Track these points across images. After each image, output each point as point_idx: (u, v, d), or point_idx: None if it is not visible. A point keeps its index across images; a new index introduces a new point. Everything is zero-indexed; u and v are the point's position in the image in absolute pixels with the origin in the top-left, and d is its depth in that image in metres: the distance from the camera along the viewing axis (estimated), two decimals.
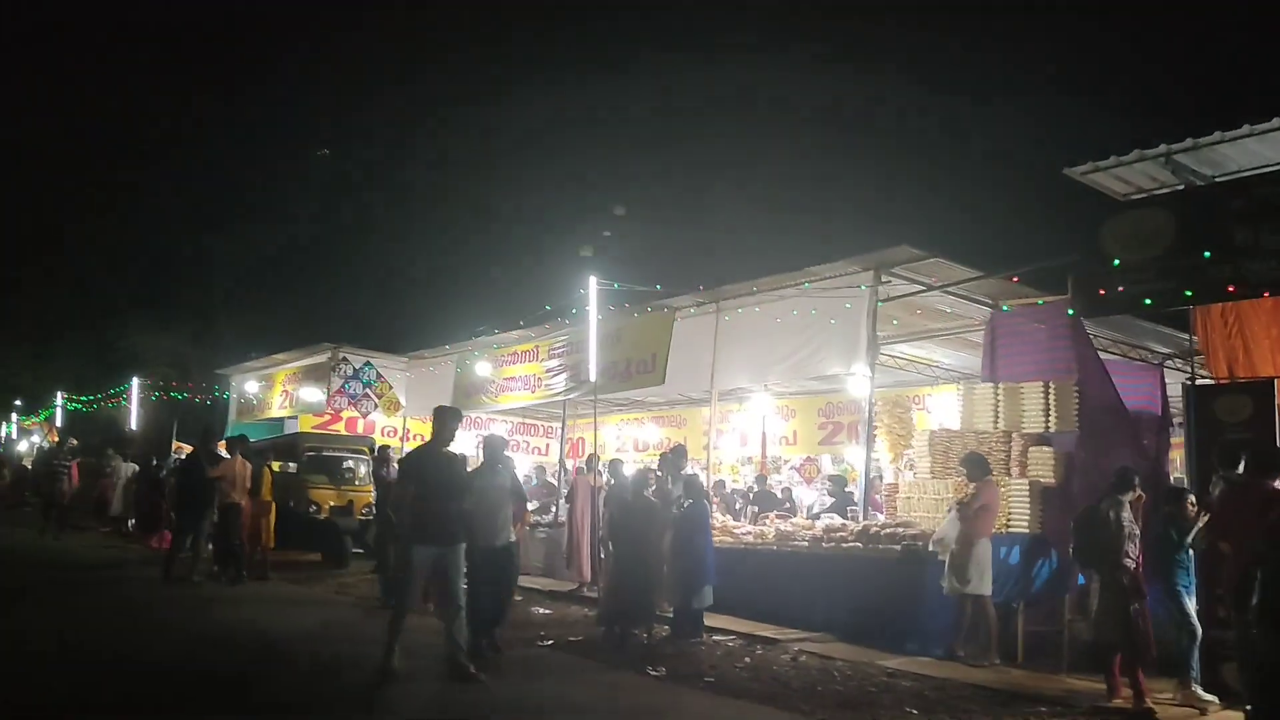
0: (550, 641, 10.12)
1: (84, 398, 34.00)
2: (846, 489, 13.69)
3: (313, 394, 21.89)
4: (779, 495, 16.66)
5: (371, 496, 16.60)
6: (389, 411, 21.04)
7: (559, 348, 17.17)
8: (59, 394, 37.59)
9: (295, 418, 22.59)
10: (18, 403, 52.00)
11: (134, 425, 26.80)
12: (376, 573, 14.48)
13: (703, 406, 18.71)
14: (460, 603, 7.86)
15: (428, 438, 8.62)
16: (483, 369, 18.13)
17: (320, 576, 15.35)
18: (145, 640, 9.51)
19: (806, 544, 11.20)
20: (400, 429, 21.58)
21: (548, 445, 24.47)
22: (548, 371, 17.32)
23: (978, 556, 9.11)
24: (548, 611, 12.26)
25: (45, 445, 42.42)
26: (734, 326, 13.34)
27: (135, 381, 27.55)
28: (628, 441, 22.20)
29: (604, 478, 13.92)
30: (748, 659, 9.46)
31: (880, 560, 10.20)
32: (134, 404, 27.17)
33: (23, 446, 47.87)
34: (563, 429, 18.69)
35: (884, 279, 11.51)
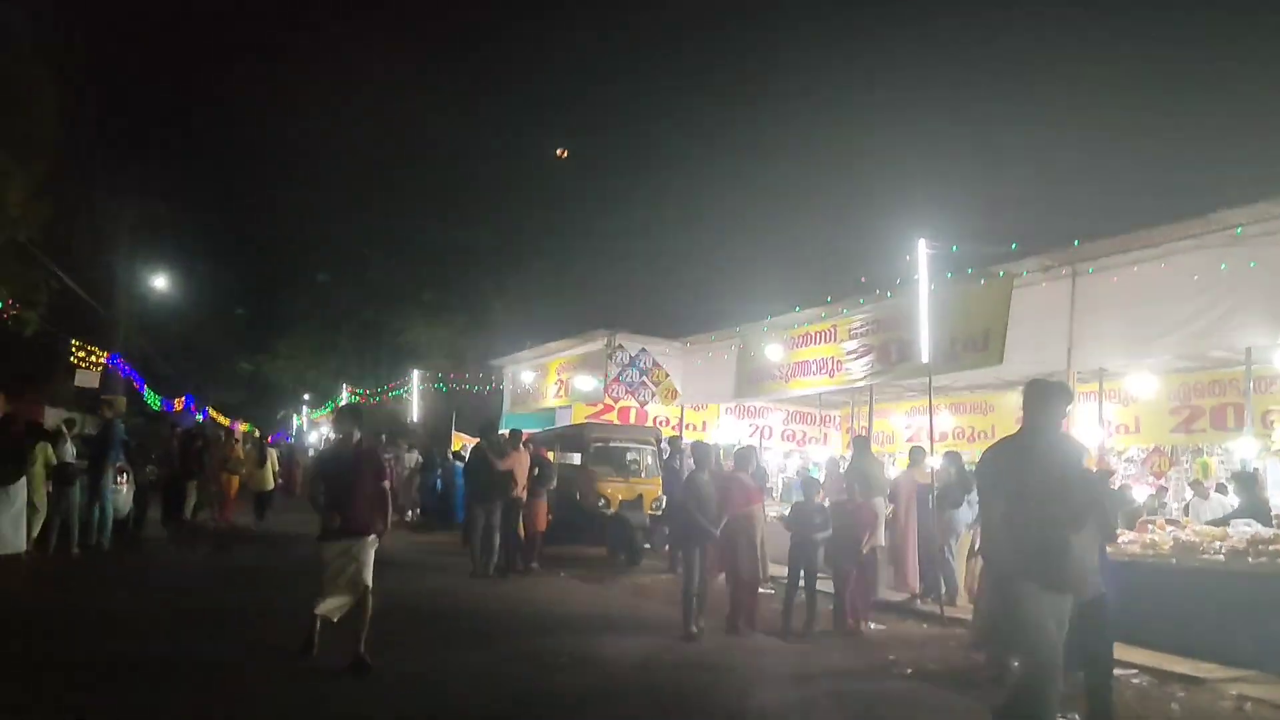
0: (909, 670, 8.51)
1: (366, 390, 35.63)
2: (1257, 490, 11.11)
3: (587, 382, 21.26)
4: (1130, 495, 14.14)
5: (659, 490, 15.71)
6: (666, 400, 20.02)
7: (859, 327, 15.43)
8: (344, 387, 39.79)
9: (569, 407, 22.08)
10: (306, 396, 56.09)
11: (415, 417, 27.42)
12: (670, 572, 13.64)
13: (1008, 391, 16.46)
14: None
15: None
16: (773, 352, 16.68)
17: (610, 574, 14.43)
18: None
19: (1223, 558, 8.93)
20: (676, 418, 20.48)
21: (825, 435, 22.78)
22: (848, 354, 15.63)
23: None
24: (880, 627, 10.61)
25: (333, 436, 45.35)
26: (1096, 292, 11.12)
27: (415, 373, 28.22)
28: (919, 431, 20.12)
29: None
30: (1174, 704, 7.47)
31: None
32: (415, 395, 27.82)
33: (312, 438, 51.47)
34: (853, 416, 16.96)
35: None
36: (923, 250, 12.03)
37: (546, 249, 28.45)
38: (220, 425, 38.47)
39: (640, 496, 15.57)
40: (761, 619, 9.61)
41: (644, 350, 19.82)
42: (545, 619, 10.45)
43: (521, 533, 13.99)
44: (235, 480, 19.38)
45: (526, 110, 31.50)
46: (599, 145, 28.25)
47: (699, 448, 9.71)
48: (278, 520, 20.22)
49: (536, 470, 14.75)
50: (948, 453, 12.86)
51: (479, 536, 13.50)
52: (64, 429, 14.30)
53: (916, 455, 13.16)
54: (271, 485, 21.09)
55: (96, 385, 26.34)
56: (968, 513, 11.30)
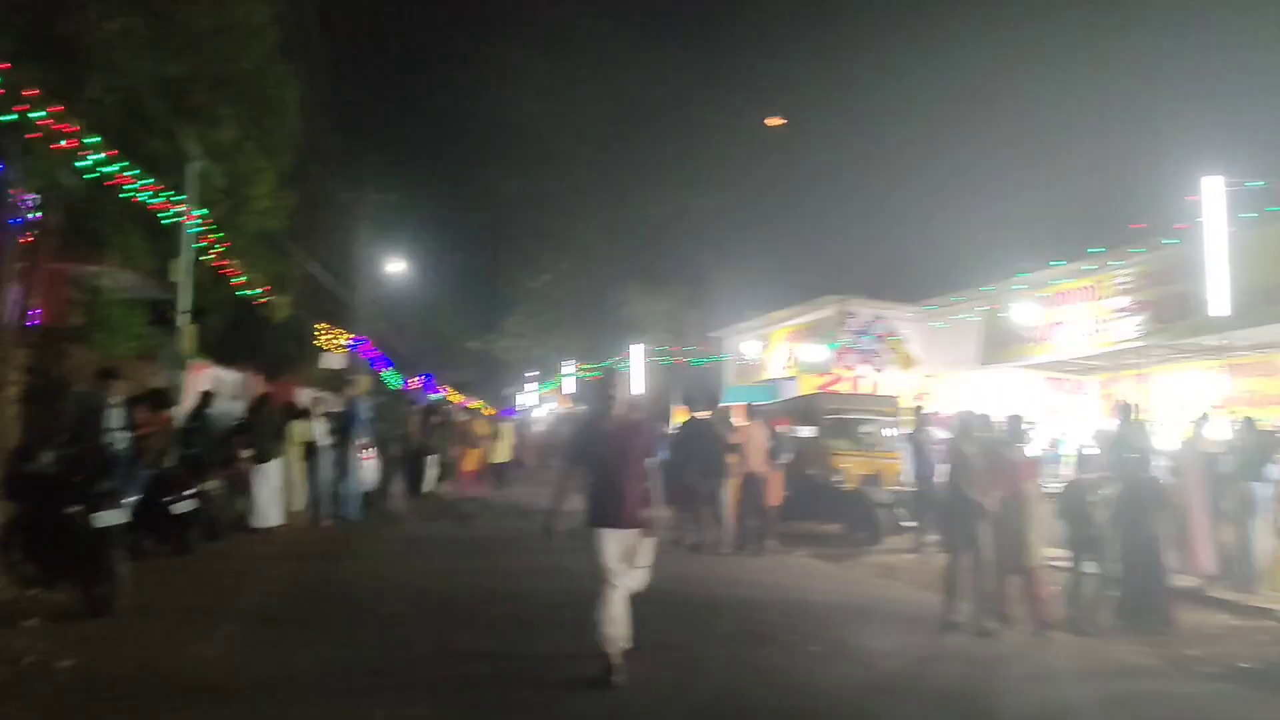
0: (1215, 669, 7.32)
1: (590, 366, 36.08)
2: None
3: (815, 352, 20.41)
4: None
5: (901, 465, 14.70)
6: (903, 367, 18.89)
7: (1127, 282, 13.84)
8: (568, 363, 40.52)
9: (795, 379, 21.27)
10: (531, 374, 57.82)
11: (638, 390, 27.31)
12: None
13: None
14: None
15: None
16: (1025, 313, 15.27)
17: (850, 553, 13.59)
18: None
19: None
20: (913, 388, 19.25)
21: (1079, 404, 20.83)
22: (1113, 312, 14.06)
23: None
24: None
25: (558, 412, 46.44)
26: None
27: (636, 347, 28.16)
28: (1197, 396, 17.97)
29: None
30: None
31: None
32: (637, 369, 27.76)
33: (538, 413, 53.03)
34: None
35: None
36: (1212, 188, 10.41)
37: (768, 215, 27.47)
38: (453, 402, 40.28)
39: (880, 471, 14.61)
40: (1039, 608, 8.55)
41: (877, 316, 18.80)
42: (789, 603, 9.80)
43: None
44: (476, 453, 19.90)
45: (741, 78, 30.43)
46: (818, 106, 26.85)
47: (965, 416, 8.71)
48: (512, 492, 20.76)
49: (771, 443, 14.17)
50: (1245, 418, 11.22)
51: (705, 512, 13.08)
52: (315, 407, 14.96)
53: (1201, 423, 11.59)
54: (507, 457, 21.78)
55: (342, 366, 27.89)
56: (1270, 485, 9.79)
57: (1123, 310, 13.76)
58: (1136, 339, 13.46)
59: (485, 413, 34.07)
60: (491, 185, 37.54)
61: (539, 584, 10.06)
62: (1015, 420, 8.89)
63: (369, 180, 30.25)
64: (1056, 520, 8.96)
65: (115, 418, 10.12)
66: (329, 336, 27.08)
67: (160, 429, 10.58)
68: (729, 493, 13.77)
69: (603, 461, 6.41)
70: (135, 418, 10.52)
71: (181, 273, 15.34)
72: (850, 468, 14.59)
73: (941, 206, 22.36)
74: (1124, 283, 13.82)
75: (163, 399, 10.88)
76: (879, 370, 18.74)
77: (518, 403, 62.05)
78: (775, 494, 14.00)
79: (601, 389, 6.96)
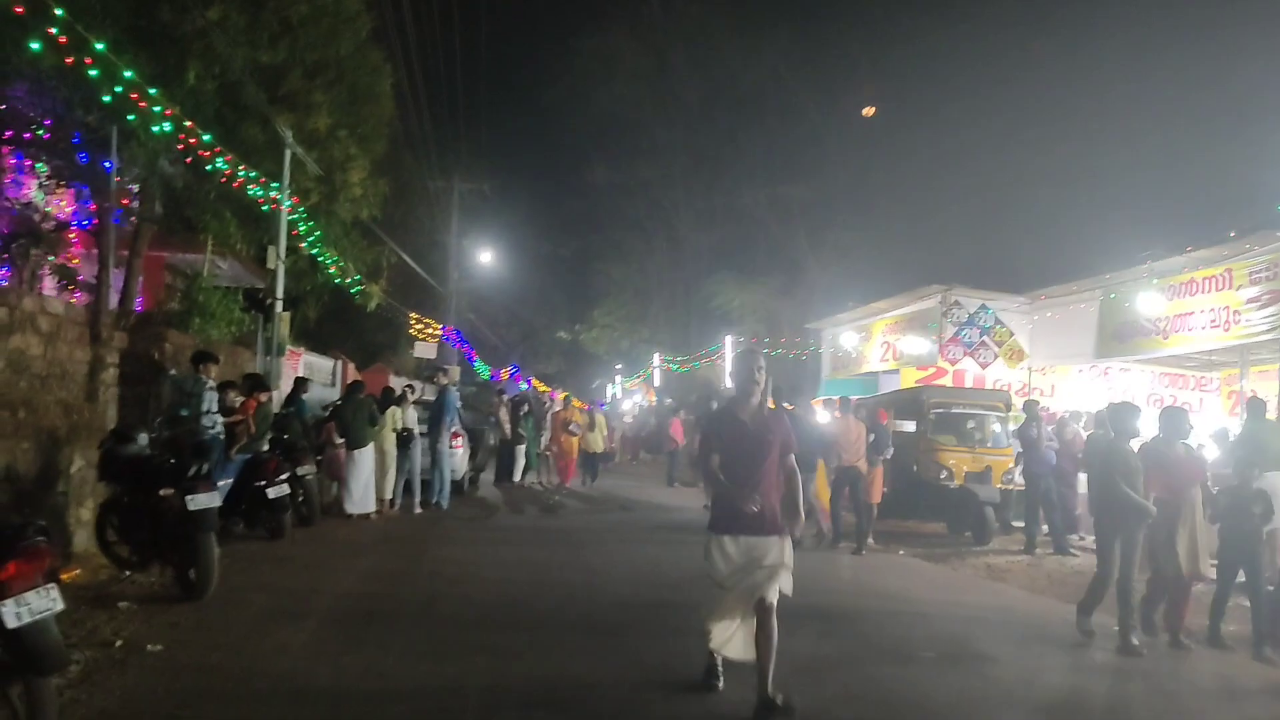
0: None
1: (677, 358, 35.69)
2: None
3: (917, 344, 19.63)
4: None
5: (1010, 461, 13.98)
6: (1011, 362, 18.02)
7: (1263, 270, 12.87)
8: (655, 355, 40.22)
9: (896, 372, 20.52)
10: (619, 366, 57.71)
11: (729, 383, 26.83)
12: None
13: None
14: None
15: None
16: (1148, 303, 14.35)
17: (955, 554, 12.94)
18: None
19: None
20: (1024, 382, 18.37)
21: (1201, 400, 19.65)
22: (1247, 303, 13.08)
23: None
24: None
25: (644, 404, 46.21)
26: None
27: (728, 339, 27.66)
28: None
29: None
30: None
31: None
32: (728, 361, 27.27)
33: (625, 406, 52.85)
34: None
35: None
36: None
37: (867, 203, 26.61)
38: (542, 392, 40.29)
39: (988, 468, 13.89)
40: (1182, 621, 7.84)
41: (984, 306, 17.95)
42: (897, 606, 9.24)
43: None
44: (575, 443, 19.77)
45: (839, 62, 29.44)
46: (922, 89, 25.88)
47: (1121, 410, 7.88)
48: (603, 484, 20.61)
49: (873, 437, 13.58)
50: None
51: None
52: (407, 395, 14.85)
53: None
54: (602, 447, 21.70)
55: (434, 356, 28.03)
56: None
57: (1256, 300, 12.79)
58: (1269, 331, 12.49)
59: (575, 404, 33.91)
60: (581, 174, 37.48)
61: (635, 577, 9.76)
62: (1176, 415, 8.12)
63: (459, 169, 30.35)
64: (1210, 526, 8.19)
65: (210, 402, 10.08)
66: (421, 326, 27.23)
67: (254, 414, 10.49)
68: (820, 488, 13.36)
69: (736, 456, 5.49)
70: (230, 402, 10.49)
71: (277, 259, 15.38)
72: (957, 464, 13.91)
73: (1053, 191, 21.28)
74: (1259, 271, 12.84)
75: (257, 384, 10.82)
76: (985, 364, 17.90)
77: (606, 395, 62.09)
78: (876, 490, 13.46)
79: (747, 366, 5.53)
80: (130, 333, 10.91)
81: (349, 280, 18.13)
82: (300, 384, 14.14)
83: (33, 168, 15.38)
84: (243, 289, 16.14)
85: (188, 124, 12.72)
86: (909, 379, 19.81)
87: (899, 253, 24.25)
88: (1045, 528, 13.34)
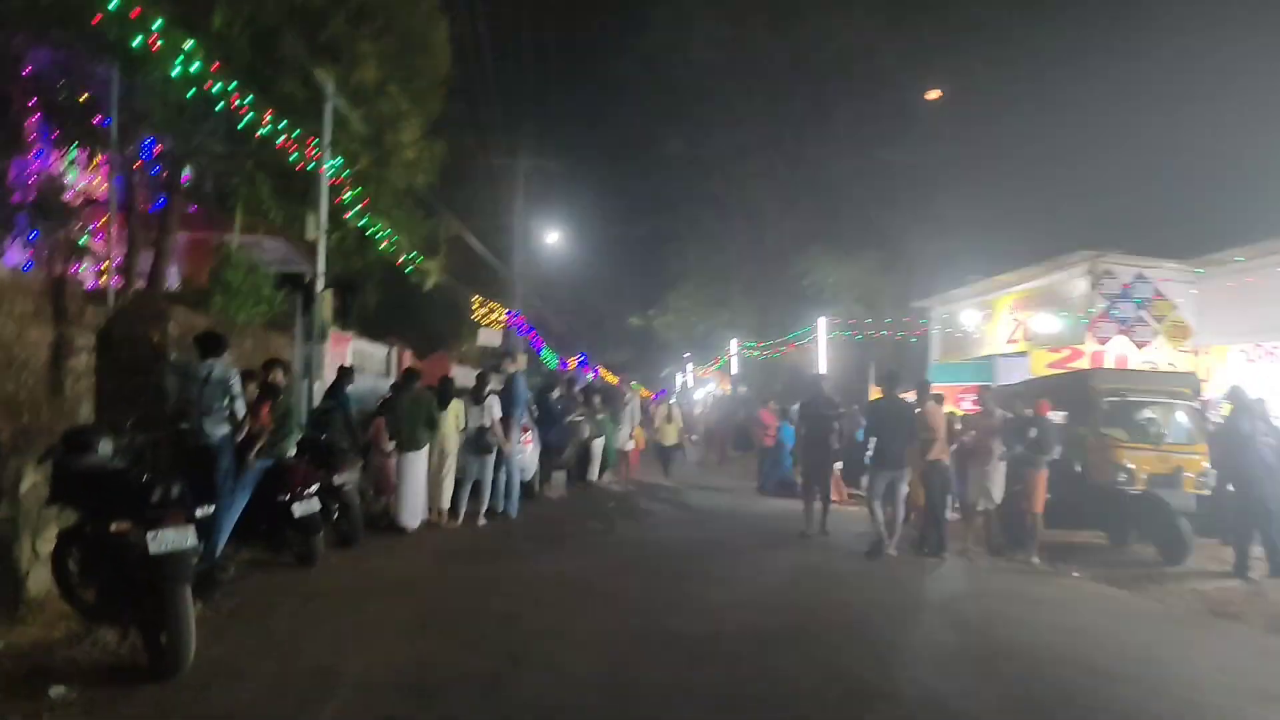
0: None
1: (753, 344, 33.15)
2: None
3: (1051, 321, 16.93)
4: None
5: (1203, 461, 11.28)
6: (1174, 340, 15.24)
7: None
8: (733, 341, 37.60)
9: (1023, 355, 17.78)
10: (687, 355, 55.14)
11: (823, 369, 24.18)
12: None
13: None
14: None
15: None
16: None
17: (1140, 576, 10.35)
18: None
19: None
20: (1170, 364, 15.50)
21: None
22: None
23: None
24: None
25: (719, 394, 43.67)
26: None
27: (821, 321, 25.01)
28: None
29: None
30: None
31: None
32: (821, 346, 24.66)
33: (698, 395, 50.35)
34: None
35: None
36: None
37: (977, 166, 23.53)
38: (611, 383, 38.03)
39: (1178, 469, 11.23)
40: None
41: (1141, 276, 15.21)
42: (1097, 652, 6.88)
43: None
44: (641, 436, 17.56)
45: (935, 17, 26.29)
46: (1047, 30, 22.53)
47: None
48: (683, 487, 18.20)
49: (1033, 432, 11.09)
50: None
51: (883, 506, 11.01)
52: (475, 387, 12.55)
53: None
54: (677, 440, 19.66)
55: (499, 343, 25.86)
56: None
57: None
58: None
59: (642, 394, 31.50)
60: (654, 151, 34.93)
61: (742, 619, 7.38)
62: None
63: (525, 146, 28.13)
64: None
65: (219, 394, 7.96)
66: (485, 311, 25.08)
67: (268, 409, 8.32)
68: (914, 485, 11.59)
69: None
70: (248, 396, 8.36)
71: (318, 229, 13.25)
72: (1138, 464, 11.26)
73: (1223, 141, 18.10)
74: None
75: (276, 383, 8.58)
76: (1142, 343, 15.16)
77: (675, 384, 59.80)
78: (1039, 497, 10.95)
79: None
80: (124, 311, 8.80)
81: (405, 257, 15.94)
82: (344, 374, 11.95)
83: (59, 139, 13.53)
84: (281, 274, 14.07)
85: (213, 67, 10.67)
86: (1040, 363, 17.09)
87: (1023, 218, 21.19)
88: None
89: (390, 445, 11.09)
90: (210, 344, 8.12)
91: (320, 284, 13.12)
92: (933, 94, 25.95)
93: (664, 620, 7.31)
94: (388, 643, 6.30)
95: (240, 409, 7.75)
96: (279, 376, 8.55)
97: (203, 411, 7.82)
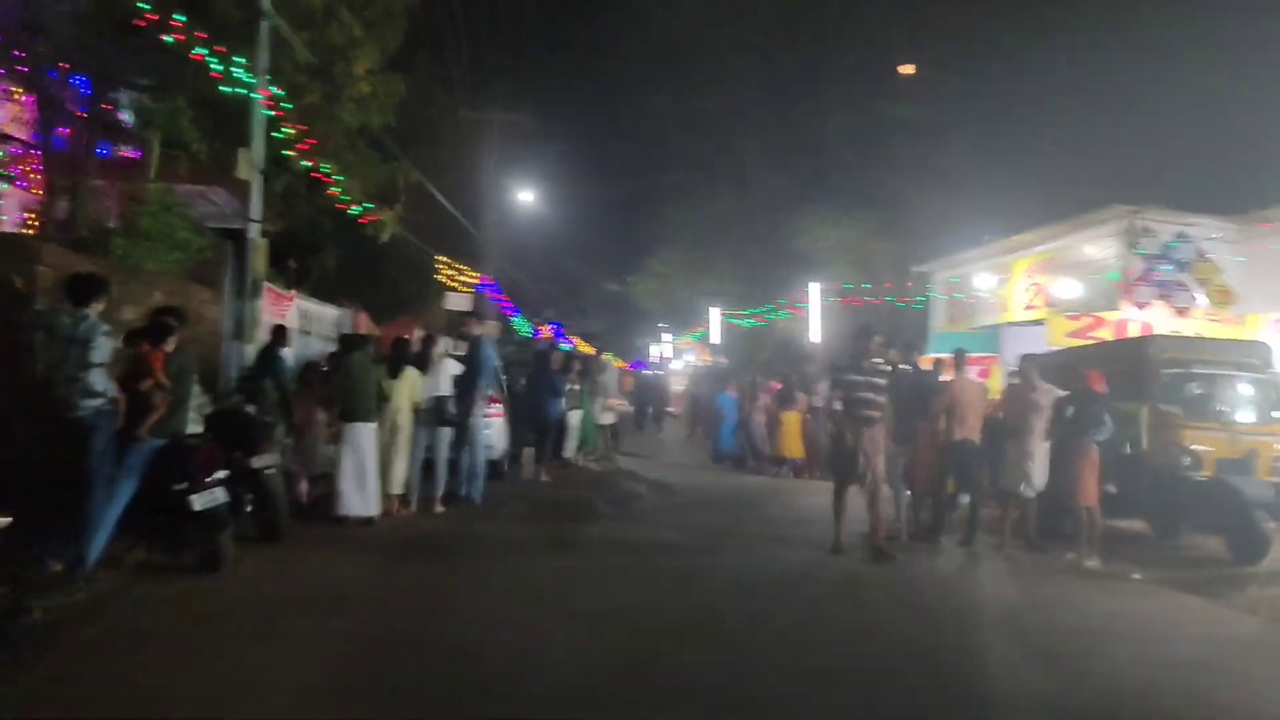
0: None
1: (730, 311, 31.45)
2: None
3: (1075, 286, 15.35)
4: None
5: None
6: (1219, 304, 13.70)
7: None
8: (714, 310, 35.77)
9: (1039, 324, 16.16)
10: (662, 325, 53.28)
11: (816, 339, 22.55)
12: None
13: None
14: None
15: None
16: None
17: (1219, 580, 8.80)
18: None
19: None
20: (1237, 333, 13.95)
21: None
22: None
23: None
24: None
25: (699, 366, 41.97)
26: None
27: (813, 287, 23.30)
28: None
29: None
30: None
31: None
32: (814, 314, 22.97)
33: (676, 366, 48.65)
34: None
35: None
36: None
37: (988, 117, 21.70)
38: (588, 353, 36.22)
39: (1252, 453, 9.69)
40: None
41: (1182, 235, 13.64)
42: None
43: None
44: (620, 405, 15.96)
45: None
46: None
47: None
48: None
49: (1071, 410, 9.52)
50: None
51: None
52: (437, 354, 10.76)
53: None
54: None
55: (468, 308, 23.99)
56: None
57: None
58: None
59: (616, 364, 29.70)
60: (636, 109, 33.11)
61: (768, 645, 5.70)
62: None
63: (498, 99, 26.09)
64: None
65: (101, 352, 6.21)
66: (451, 272, 23.15)
67: (162, 369, 6.52)
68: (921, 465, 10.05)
69: None
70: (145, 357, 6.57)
71: (250, 168, 11.35)
72: (1208, 447, 9.71)
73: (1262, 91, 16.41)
74: None
75: (162, 324, 6.76)
76: (1183, 310, 13.61)
77: (650, 356, 58.17)
78: (1092, 486, 9.33)
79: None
80: None
81: (354, 205, 14.03)
82: (279, 334, 10.17)
83: None
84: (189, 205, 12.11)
85: None
86: (1058, 332, 15.51)
87: (1038, 177, 19.43)
88: None
89: (328, 416, 9.38)
90: (82, 289, 6.34)
91: (253, 230, 11.25)
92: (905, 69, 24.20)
93: (667, 649, 5.63)
94: (288, 699, 4.57)
95: (97, 380, 6.01)
96: (169, 343, 6.70)
97: (70, 376, 6.07)
